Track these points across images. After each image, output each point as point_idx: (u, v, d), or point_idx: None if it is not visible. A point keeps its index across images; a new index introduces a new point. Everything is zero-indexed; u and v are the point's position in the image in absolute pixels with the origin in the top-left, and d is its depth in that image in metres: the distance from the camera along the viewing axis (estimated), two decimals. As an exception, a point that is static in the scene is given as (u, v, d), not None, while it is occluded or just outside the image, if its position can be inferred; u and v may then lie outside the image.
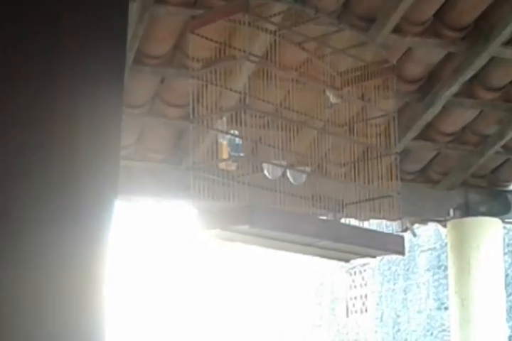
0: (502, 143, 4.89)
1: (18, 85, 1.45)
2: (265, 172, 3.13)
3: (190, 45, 3.14)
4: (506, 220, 5.40)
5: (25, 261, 1.37)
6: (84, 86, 1.48)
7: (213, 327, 15.23)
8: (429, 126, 4.83)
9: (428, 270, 11.28)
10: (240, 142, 3.06)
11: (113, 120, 1.52)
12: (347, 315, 12.98)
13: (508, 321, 8.07)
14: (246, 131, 3.02)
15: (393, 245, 3.33)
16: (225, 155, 3.06)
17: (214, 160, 3.07)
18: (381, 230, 3.66)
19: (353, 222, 3.43)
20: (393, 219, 4.31)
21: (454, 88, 4.42)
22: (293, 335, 14.05)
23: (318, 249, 3.22)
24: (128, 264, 15.31)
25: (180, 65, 4.13)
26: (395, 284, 11.96)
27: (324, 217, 3.33)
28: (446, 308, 10.09)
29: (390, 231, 5.59)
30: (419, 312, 11.44)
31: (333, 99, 3.34)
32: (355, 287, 12.92)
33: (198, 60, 3.13)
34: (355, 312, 12.86)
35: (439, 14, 4.07)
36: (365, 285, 12.69)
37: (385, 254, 3.56)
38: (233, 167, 3.05)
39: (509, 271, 9.53)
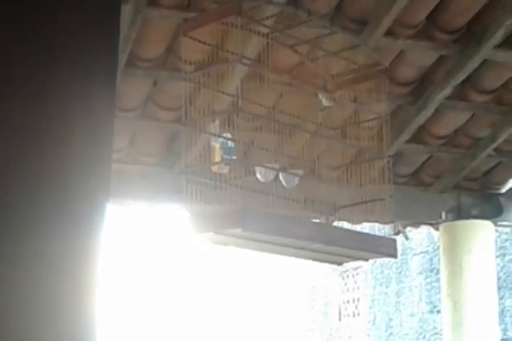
0: (494, 146, 4.90)
1: (9, 89, 1.44)
2: (258, 175, 3.13)
3: (182, 47, 3.13)
4: (498, 223, 5.41)
5: (17, 265, 1.37)
6: (76, 89, 1.48)
7: (207, 331, 15.21)
8: (422, 129, 4.84)
9: (420, 273, 11.29)
10: (233, 145, 3.05)
11: (105, 123, 1.52)
12: (340, 319, 12.98)
13: (500, 324, 8.07)
14: (238, 134, 3.01)
15: (385, 248, 3.33)
16: (218, 159, 3.06)
17: (206, 163, 3.07)
18: (374, 233, 3.65)
19: (346, 225, 3.43)
20: (385, 222, 4.32)
21: (447, 91, 4.43)
22: (286, 339, 14.04)
23: (311, 252, 3.21)
24: (121, 268, 15.28)
25: (172, 68, 4.12)
26: (387, 287, 11.97)
27: (317, 220, 3.33)
28: (438, 311, 10.09)
29: (383, 235, 5.58)
30: (411, 315, 11.44)
31: (325, 102, 3.34)
32: (347, 290, 12.92)
33: (190, 63, 3.12)
34: (348, 315, 12.86)
35: (431, 17, 4.08)
36: (358, 288, 12.69)
37: (378, 257, 3.56)
38: (226, 170, 3.04)
39: (501, 274, 9.54)
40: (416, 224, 5.64)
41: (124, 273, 15.55)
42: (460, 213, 5.28)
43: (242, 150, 3.11)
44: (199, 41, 3.08)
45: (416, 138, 4.91)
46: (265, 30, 3.21)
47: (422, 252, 11.27)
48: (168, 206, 4.83)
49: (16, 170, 1.40)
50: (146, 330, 15.53)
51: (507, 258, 9.73)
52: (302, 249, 3.17)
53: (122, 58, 3.90)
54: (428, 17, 4.07)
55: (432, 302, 10.97)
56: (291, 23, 3.20)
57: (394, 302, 11.82)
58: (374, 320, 12.17)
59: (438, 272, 5.77)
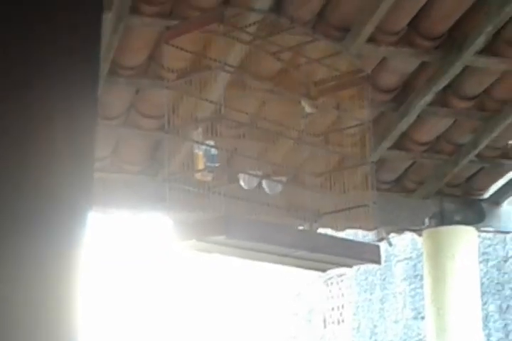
0: (476, 152, 4.92)
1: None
2: (241, 182, 3.13)
3: (165, 55, 3.13)
4: (481, 229, 5.43)
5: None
6: (57, 97, 1.47)
7: (191, 338, 15.17)
8: (404, 135, 4.85)
9: (404, 279, 11.31)
10: (216, 152, 3.05)
11: (87, 132, 1.51)
12: (324, 326, 12.98)
13: (484, 329, 8.09)
14: (222, 142, 3.01)
15: (369, 254, 3.33)
16: (201, 166, 3.05)
17: (190, 170, 3.06)
18: (357, 240, 3.66)
19: (330, 231, 3.43)
20: (369, 229, 4.32)
21: (429, 97, 4.44)
22: (270, 346, 14.02)
23: (295, 259, 3.21)
24: (105, 276, 15.22)
25: (155, 76, 4.12)
26: (371, 294, 11.98)
27: (300, 227, 3.33)
28: (422, 318, 10.10)
29: (366, 241, 5.60)
30: (396, 322, 11.45)
31: (308, 108, 3.35)
32: (332, 297, 12.92)
33: (173, 71, 3.12)
34: (333, 322, 12.86)
35: (413, 24, 4.10)
36: (342, 295, 12.70)
37: (362, 264, 3.56)
38: (209, 177, 3.04)
39: (484, 280, 9.57)
40: (399, 231, 5.65)
41: (108, 281, 15.49)
42: (443, 219, 5.30)
43: (225, 157, 3.11)
44: (181, 49, 3.08)
45: (398, 145, 4.93)
46: (248, 38, 3.21)
47: (405, 258, 11.29)
48: (152, 214, 4.82)
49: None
50: (130, 338, 15.46)
51: (490, 263, 9.76)
52: (286, 255, 3.17)
53: (104, 66, 3.90)
54: (410, 24, 4.09)
55: (416, 309, 10.98)
56: (273, 30, 3.21)
57: (378, 308, 11.83)
58: (359, 326, 12.18)
59: (422, 278, 5.78)
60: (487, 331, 9.49)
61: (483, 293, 8.83)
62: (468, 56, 4.14)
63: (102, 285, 15.13)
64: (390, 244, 5.74)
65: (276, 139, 3.21)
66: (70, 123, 1.47)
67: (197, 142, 3.07)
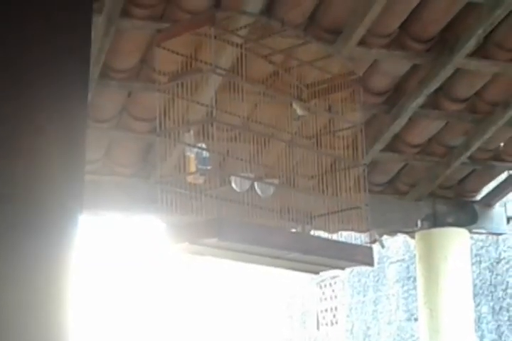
0: (468, 154, 4.93)
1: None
2: (233, 185, 3.13)
3: (156, 58, 3.13)
4: (473, 230, 5.44)
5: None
6: (47, 101, 1.47)
7: (184, 342, 15.15)
8: (396, 137, 4.86)
9: (397, 281, 11.32)
10: (208, 155, 3.05)
11: (77, 134, 1.51)
12: (317, 328, 12.98)
13: (477, 331, 8.10)
14: (213, 144, 3.01)
15: (362, 256, 3.33)
16: (193, 169, 3.05)
17: (182, 173, 3.06)
18: (350, 242, 3.66)
19: (322, 234, 3.43)
20: (362, 231, 4.32)
21: (420, 100, 4.45)
22: (264, 349, 14.02)
23: (288, 261, 3.21)
24: (96, 279, 15.20)
25: (146, 79, 4.12)
26: (364, 296, 11.99)
27: (293, 230, 3.33)
28: (416, 319, 10.11)
29: (359, 243, 5.59)
30: (389, 323, 11.46)
31: (300, 111, 3.35)
32: (325, 299, 12.92)
33: (164, 74, 3.12)
34: (326, 324, 12.86)
35: (404, 26, 4.11)
36: (335, 297, 12.70)
37: (354, 266, 3.56)
38: (201, 180, 3.04)
39: (477, 281, 9.58)
40: (392, 233, 5.66)
41: (100, 284, 15.47)
42: (435, 221, 5.31)
43: (217, 160, 3.11)
44: (173, 52, 3.08)
45: (391, 147, 4.94)
46: (239, 41, 3.22)
47: (398, 260, 11.30)
48: (144, 217, 4.82)
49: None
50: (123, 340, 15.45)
51: (483, 265, 9.78)
52: (279, 258, 3.17)
53: (96, 69, 3.89)
54: (401, 26, 4.10)
55: (409, 310, 10.99)
56: (264, 33, 3.21)
57: (371, 310, 11.83)
58: (352, 328, 12.18)
59: (415, 280, 5.79)
60: (480, 332, 9.50)
61: (475, 295, 8.84)
62: (459, 59, 4.15)
63: (95, 287, 15.11)
64: (383, 246, 5.75)
65: (268, 142, 3.21)
66: (59, 126, 1.47)
67: (189, 145, 3.07)
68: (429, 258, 5.24)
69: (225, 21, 3.15)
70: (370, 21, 3.84)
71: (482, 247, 9.80)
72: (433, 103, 4.65)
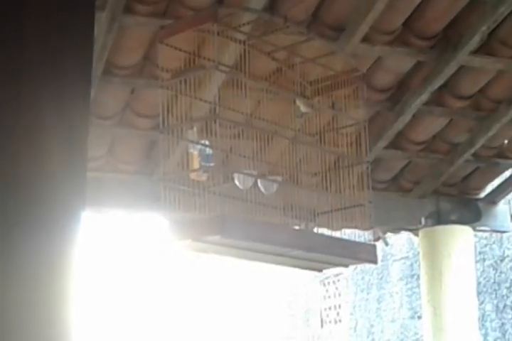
0: (472, 151, 4.92)
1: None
2: (236, 182, 3.12)
3: (159, 55, 3.13)
4: (477, 228, 5.43)
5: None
6: (49, 97, 1.47)
7: (186, 339, 15.16)
8: (400, 134, 4.85)
9: (401, 279, 11.31)
10: (211, 152, 3.05)
11: (80, 131, 1.51)
12: (321, 326, 12.98)
13: (480, 329, 8.10)
14: (217, 141, 3.01)
15: (365, 254, 3.33)
16: (196, 166, 3.05)
17: (185, 170, 3.06)
18: (353, 239, 3.65)
19: (325, 231, 3.42)
20: (365, 229, 4.31)
21: (424, 97, 4.44)
22: (267, 346, 14.02)
23: (291, 258, 3.21)
24: (99, 276, 15.21)
25: (150, 76, 4.11)
26: (368, 294, 11.98)
27: (296, 227, 3.32)
28: (419, 317, 10.11)
29: (363, 241, 5.59)
30: (392, 321, 11.46)
31: (303, 108, 3.34)
32: (329, 297, 12.92)
33: (167, 70, 3.11)
34: (329, 322, 12.86)
35: (407, 23, 4.09)
36: (339, 295, 12.70)
37: (358, 263, 3.56)
38: (204, 177, 3.03)
39: (481, 279, 9.57)
40: (396, 230, 5.65)
41: (103, 281, 15.48)
42: (439, 218, 5.30)
43: (220, 157, 3.10)
44: (176, 48, 3.08)
45: (394, 144, 4.93)
46: (242, 37, 3.21)
47: (402, 258, 11.29)
48: (147, 214, 4.82)
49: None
50: (126, 338, 15.46)
51: (486, 263, 9.77)
52: (282, 255, 3.16)
53: (99, 66, 3.89)
54: (404, 23, 4.09)
55: (412, 308, 10.99)
56: (267, 29, 3.21)
57: (375, 308, 11.83)
58: (355, 326, 12.18)
59: (419, 278, 5.78)
60: (484, 330, 9.49)
61: (479, 293, 8.83)
62: (463, 55, 4.14)
63: (97, 285, 15.12)
64: (387, 244, 5.74)
65: (272, 139, 3.20)
66: (61, 123, 1.46)
67: (192, 141, 3.07)
68: (433, 255, 5.23)
69: (227, 18, 3.14)
70: (374, 18, 3.83)
71: (486, 245, 9.79)
72: (437, 100, 4.63)
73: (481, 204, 5.38)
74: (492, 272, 9.73)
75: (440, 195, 5.31)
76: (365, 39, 4.02)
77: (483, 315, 9.51)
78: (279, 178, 3.23)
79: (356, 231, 6.37)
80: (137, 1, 3.70)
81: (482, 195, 5.42)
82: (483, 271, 9.75)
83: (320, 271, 3.48)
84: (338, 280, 12.69)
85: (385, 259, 11.42)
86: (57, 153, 1.45)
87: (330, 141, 3.41)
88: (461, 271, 5.20)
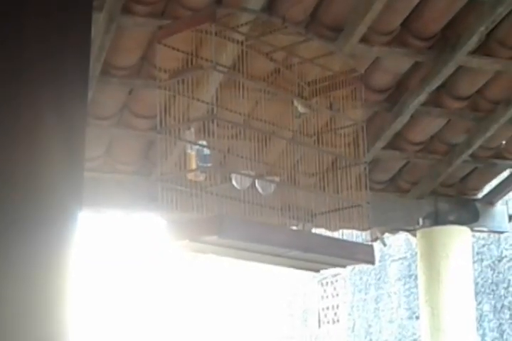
0: (470, 151, 4.92)
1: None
2: (234, 182, 3.12)
3: (157, 55, 3.12)
4: (475, 228, 5.43)
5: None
6: (46, 98, 1.46)
7: (185, 339, 15.16)
8: (398, 135, 4.85)
9: (399, 279, 11.31)
10: (208, 152, 3.05)
11: (77, 132, 1.51)
12: (319, 326, 12.98)
13: (478, 329, 8.10)
14: (214, 142, 3.01)
15: (363, 254, 3.33)
16: (194, 166, 3.05)
17: (182, 170, 3.06)
18: (351, 240, 3.66)
19: (323, 231, 3.42)
20: (363, 229, 4.32)
21: (422, 97, 4.44)
22: (265, 346, 14.02)
23: (288, 259, 3.21)
24: (96, 276, 15.21)
25: (147, 76, 4.11)
26: (366, 294, 11.98)
27: (294, 227, 3.32)
28: (417, 317, 10.11)
29: (360, 241, 5.59)
30: (390, 321, 11.46)
31: (301, 108, 3.34)
32: (326, 297, 12.92)
33: (165, 71, 3.11)
34: (327, 322, 12.86)
35: (405, 24, 4.10)
36: (337, 295, 12.70)
37: (355, 264, 3.56)
38: (201, 177, 3.03)
39: (479, 280, 9.58)
40: (393, 231, 5.65)
41: (101, 281, 15.48)
42: (437, 219, 5.30)
43: (218, 157, 3.10)
44: (174, 49, 3.08)
45: (392, 145, 4.93)
46: (240, 38, 3.21)
47: (400, 258, 11.29)
48: (145, 214, 4.82)
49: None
50: (124, 338, 15.45)
51: (484, 263, 9.77)
52: (279, 256, 3.16)
53: (97, 66, 3.89)
54: (402, 24, 4.09)
55: (410, 309, 10.99)
56: (265, 30, 3.21)
57: (373, 308, 11.83)
58: (353, 326, 12.18)
59: (417, 278, 5.79)
60: (482, 331, 9.49)
61: (477, 293, 8.83)
62: (461, 56, 4.14)
63: (95, 285, 15.12)
64: (384, 244, 5.74)
65: (270, 139, 3.20)
66: (59, 123, 1.46)
67: (189, 142, 3.06)
68: (431, 256, 5.23)
69: (225, 18, 3.14)
70: (372, 19, 3.84)
71: (484, 245, 9.79)
72: (435, 101, 4.64)
73: (478, 205, 5.38)
74: (490, 272, 9.74)
75: (438, 195, 5.32)
76: (363, 39, 4.02)
77: (480, 316, 9.51)
78: (277, 179, 3.23)
79: (354, 231, 6.35)
80: (135, 2, 3.70)
81: (480, 195, 5.43)
82: (481, 271, 9.76)
83: (317, 271, 3.48)
84: (336, 281, 12.70)
85: (383, 259, 11.42)
86: (54, 153, 1.45)
87: (328, 142, 3.41)
88: (459, 272, 5.20)
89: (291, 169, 3.25)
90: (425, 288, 5.26)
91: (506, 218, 5.49)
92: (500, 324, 9.56)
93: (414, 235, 5.41)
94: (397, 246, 11.26)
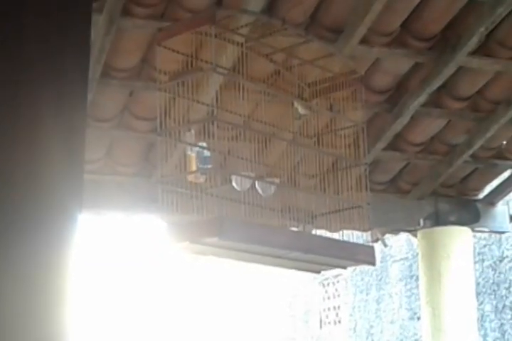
0: (470, 152, 4.92)
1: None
2: (234, 184, 3.12)
3: (157, 57, 3.13)
4: (476, 229, 5.43)
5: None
6: (46, 99, 1.47)
7: (186, 340, 15.16)
8: (398, 136, 4.86)
9: (400, 280, 11.31)
10: (209, 154, 3.05)
11: (77, 131, 1.51)
12: (320, 327, 12.98)
13: (479, 330, 8.09)
14: (215, 143, 3.01)
15: (364, 255, 3.33)
16: (194, 168, 3.05)
17: (183, 172, 3.06)
18: (352, 241, 3.66)
19: (324, 233, 3.42)
20: (363, 230, 4.32)
21: (422, 98, 4.44)
22: (267, 347, 14.02)
23: (289, 260, 3.21)
24: (96, 278, 15.21)
25: (148, 78, 4.12)
26: (367, 295, 11.98)
27: (294, 229, 3.32)
28: (419, 318, 10.11)
29: (361, 242, 5.59)
30: (392, 322, 11.46)
31: (301, 110, 3.34)
32: (328, 298, 12.92)
33: (165, 73, 3.11)
34: (329, 323, 12.86)
35: (405, 25, 4.10)
36: (338, 296, 12.70)
37: (356, 265, 3.56)
38: (202, 179, 3.03)
39: (480, 280, 9.58)
40: (394, 231, 5.66)
41: (101, 283, 15.48)
42: (438, 219, 5.30)
43: (218, 159, 3.10)
44: (174, 51, 3.08)
45: (393, 146, 4.93)
46: (240, 39, 3.21)
47: (401, 259, 11.29)
48: (145, 216, 4.82)
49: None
50: (123, 340, 15.46)
51: (485, 263, 9.77)
52: (280, 257, 3.16)
53: (97, 68, 3.89)
54: (402, 25, 4.09)
55: (412, 309, 10.99)
56: (265, 31, 3.21)
57: (374, 309, 11.83)
58: (355, 327, 12.18)
59: (418, 279, 5.79)
60: (483, 331, 9.49)
61: (478, 293, 8.82)
62: (461, 57, 4.14)
63: (95, 286, 15.12)
64: (385, 245, 5.74)
65: (270, 141, 3.20)
66: (58, 125, 1.46)
67: (190, 144, 3.07)
68: (432, 256, 5.23)
69: (225, 20, 3.14)
70: (372, 20, 3.83)
71: (485, 245, 9.79)
72: (435, 101, 4.64)
73: (479, 205, 5.38)
74: (491, 273, 9.74)
75: (439, 196, 5.32)
76: (363, 41, 4.02)
77: (482, 316, 9.51)
78: (277, 180, 3.23)
79: (355, 232, 6.36)
80: (135, 4, 3.71)
81: (481, 195, 5.43)
82: (482, 271, 9.75)
83: (318, 272, 3.48)
84: (338, 282, 12.70)
85: (384, 260, 11.42)
86: (54, 155, 1.45)
87: (328, 143, 3.41)
88: (460, 272, 5.20)
89: (291, 170, 3.25)
90: (426, 289, 5.26)
91: (507, 218, 5.49)
92: (502, 324, 9.56)
93: (415, 236, 5.41)
94: (398, 246, 11.26)
